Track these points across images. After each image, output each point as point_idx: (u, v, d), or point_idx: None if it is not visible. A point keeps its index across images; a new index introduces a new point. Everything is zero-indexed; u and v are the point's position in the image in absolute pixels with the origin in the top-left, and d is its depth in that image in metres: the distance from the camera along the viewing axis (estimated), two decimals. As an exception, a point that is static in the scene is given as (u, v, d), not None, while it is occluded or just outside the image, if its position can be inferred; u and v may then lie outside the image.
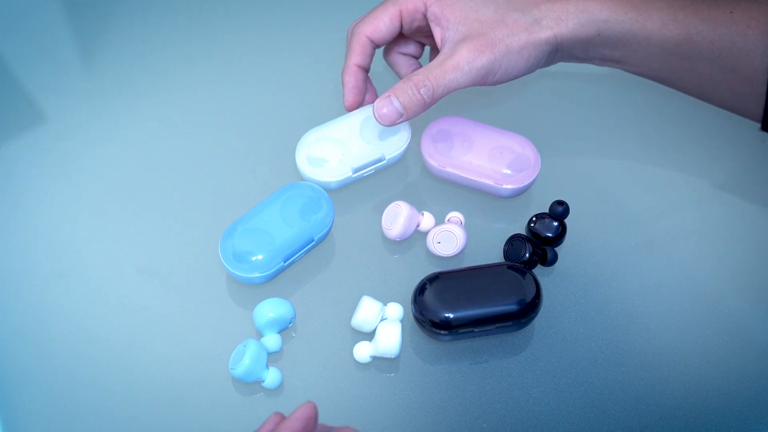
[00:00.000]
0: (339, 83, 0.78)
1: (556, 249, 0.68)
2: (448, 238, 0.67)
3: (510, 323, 0.62)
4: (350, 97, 0.69)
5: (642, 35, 0.63)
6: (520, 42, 0.62)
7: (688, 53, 0.63)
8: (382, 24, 0.66)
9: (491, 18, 0.63)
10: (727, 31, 0.61)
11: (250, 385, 0.62)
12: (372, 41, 0.67)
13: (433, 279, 0.63)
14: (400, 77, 0.72)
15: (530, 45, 0.63)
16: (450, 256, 0.67)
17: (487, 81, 0.64)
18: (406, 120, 0.65)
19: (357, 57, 0.68)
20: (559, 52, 0.65)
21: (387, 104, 0.63)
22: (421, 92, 0.62)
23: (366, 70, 0.69)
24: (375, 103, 0.64)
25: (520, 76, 0.65)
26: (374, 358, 0.63)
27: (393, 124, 0.64)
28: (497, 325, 0.62)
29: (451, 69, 0.62)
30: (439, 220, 0.69)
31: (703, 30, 0.62)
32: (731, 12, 0.61)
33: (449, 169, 0.69)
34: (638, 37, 0.63)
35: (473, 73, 0.62)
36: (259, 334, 0.64)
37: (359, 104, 0.70)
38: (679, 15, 0.62)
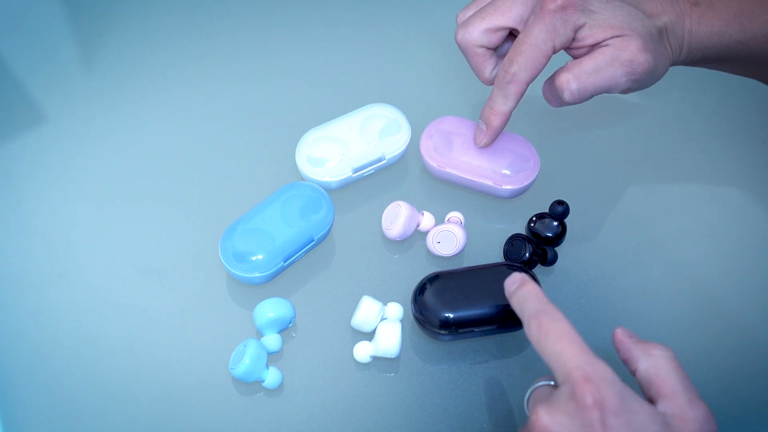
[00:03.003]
0: (339, 83, 0.79)
1: (556, 249, 0.68)
2: (448, 238, 0.67)
3: (510, 323, 0.62)
4: (493, 141, 0.67)
5: (744, 53, 0.64)
6: (664, 58, 0.62)
7: None
8: (540, 66, 0.61)
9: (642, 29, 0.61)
10: None
11: (250, 385, 0.62)
12: (529, 84, 0.62)
13: (433, 279, 0.63)
14: (480, 72, 0.66)
15: (667, 65, 0.63)
16: (450, 256, 0.67)
17: (632, 89, 0.62)
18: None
19: (514, 104, 0.63)
20: None
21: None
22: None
23: None
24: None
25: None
26: (374, 358, 0.63)
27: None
28: (497, 324, 0.62)
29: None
30: (439, 220, 0.69)
31: None
32: None
33: (449, 170, 0.69)
34: (740, 55, 0.64)
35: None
36: (259, 334, 0.64)
37: None
38: None
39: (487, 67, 0.65)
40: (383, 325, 0.62)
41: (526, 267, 0.64)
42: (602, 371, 0.47)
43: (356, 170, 0.70)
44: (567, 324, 0.50)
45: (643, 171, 0.74)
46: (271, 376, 0.61)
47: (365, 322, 0.63)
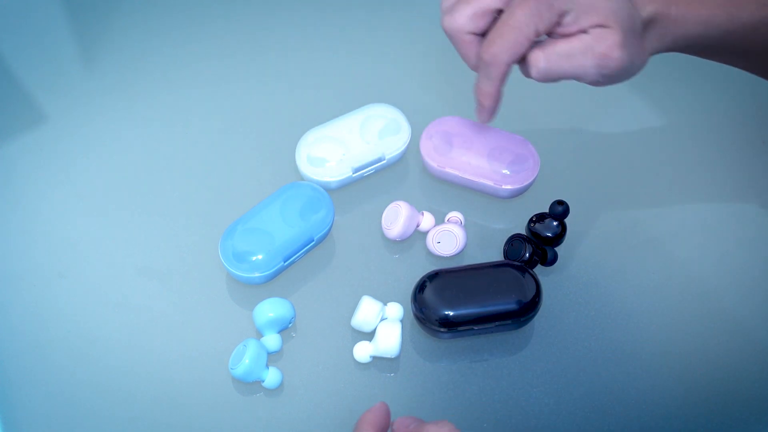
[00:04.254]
0: (339, 83, 0.79)
1: (556, 249, 0.68)
2: (448, 238, 0.67)
3: (510, 322, 0.62)
4: (492, 118, 0.63)
5: (730, 42, 0.63)
6: (640, 55, 0.60)
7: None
8: (522, 48, 0.58)
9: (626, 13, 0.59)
10: None
11: (250, 385, 0.62)
12: (511, 66, 0.60)
13: (433, 277, 0.63)
14: (468, 59, 0.63)
15: (642, 62, 0.61)
16: (450, 256, 0.67)
17: (600, 82, 0.60)
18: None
19: (500, 83, 0.61)
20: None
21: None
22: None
23: None
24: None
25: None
26: (374, 358, 0.63)
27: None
28: (497, 323, 0.62)
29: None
30: (439, 220, 0.69)
31: None
32: None
33: (448, 170, 0.69)
34: (726, 44, 0.63)
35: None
36: (259, 334, 0.64)
37: None
38: None
39: (476, 54, 0.62)
40: (383, 325, 0.62)
41: (527, 267, 0.64)
42: None
43: (356, 170, 0.70)
44: None
45: (643, 171, 0.74)
46: (271, 376, 0.61)
47: (365, 322, 0.63)
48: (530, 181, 0.69)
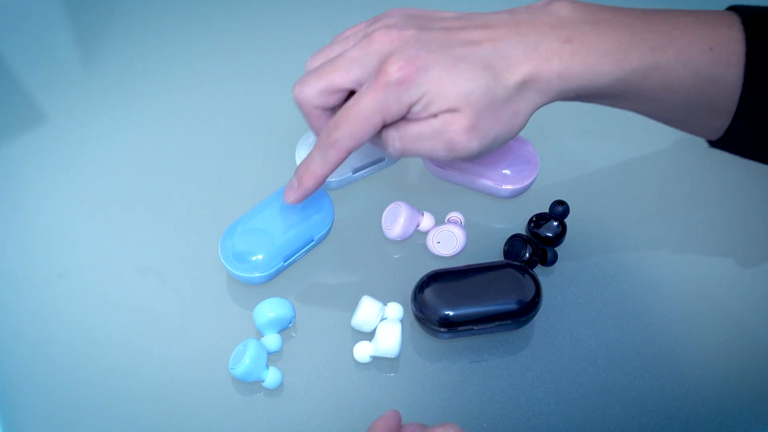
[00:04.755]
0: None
1: (556, 249, 0.68)
2: (448, 238, 0.67)
3: (510, 321, 0.62)
4: (302, 199, 0.62)
5: (620, 89, 0.59)
6: (507, 125, 0.58)
7: (667, 99, 0.60)
8: (366, 136, 0.57)
9: (480, 99, 0.56)
10: (708, 72, 0.58)
11: (250, 385, 0.62)
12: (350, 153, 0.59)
13: (433, 276, 0.63)
14: (316, 131, 0.62)
15: (515, 127, 0.58)
16: (450, 256, 0.67)
17: (461, 160, 0.59)
18: None
19: (332, 169, 0.60)
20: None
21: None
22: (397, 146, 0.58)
23: None
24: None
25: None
26: (374, 358, 0.63)
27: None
28: (497, 323, 0.62)
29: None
30: (439, 220, 0.69)
31: (684, 76, 0.58)
32: (711, 49, 0.58)
33: (449, 170, 0.69)
34: (616, 91, 0.59)
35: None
36: (259, 334, 0.64)
37: None
38: (662, 61, 0.58)
39: (323, 127, 0.60)
40: (383, 325, 0.62)
41: (527, 267, 0.64)
42: None
43: (356, 170, 0.70)
44: None
45: (643, 171, 0.74)
46: (271, 376, 0.61)
47: (365, 322, 0.63)
48: (530, 181, 0.69)
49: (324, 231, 0.67)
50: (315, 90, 0.59)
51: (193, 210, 0.71)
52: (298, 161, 0.70)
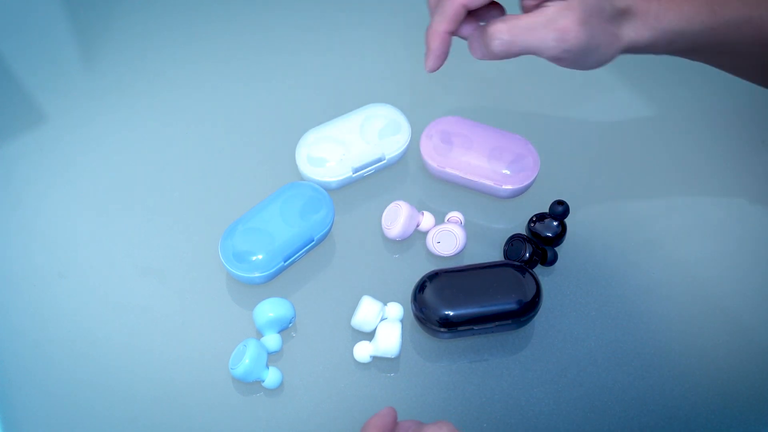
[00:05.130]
0: (339, 83, 0.79)
1: (556, 249, 0.68)
2: (448, 238, 0.67)
3: (510, 321, 0.62)
4: (437, 63, 0.63)
5: (714, 40, 0.62)
6: (608, 41, 0.60)
7: (758, 52, 0.63)
8: None
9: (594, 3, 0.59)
10: None
11: (250, 385, 0.62)
12: (465, 7, 0.60)
13: (433, 277, 0.63)
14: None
15: (612, 49, 0.61)
16: (450, 256, 0.67)
17: (562, 58, 0.60)
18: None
19: (450, 24, 0.61)
20: (621, 53, 0.63)
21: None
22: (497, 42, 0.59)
23: (453, 35, 0.64)
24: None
25: (580, 69, 0.62)
26: (374, 358, 0.63)
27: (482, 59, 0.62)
28: (497, 323, 0.62)
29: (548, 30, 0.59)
30: (439, 220, 0.69)
31: None
32: None
33: (448, 170, 0.69)
34: (710, 42, 0.63)
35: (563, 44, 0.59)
36: (259, 334, 0.64)
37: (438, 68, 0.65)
38: (754, 15, 0.62)
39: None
40: (383, 325, 0.62)
41: (526, 267, 0.64)
42: None
43: (356, 170, 0.70)
44: None
45: (643, 171, 0.74)
46: (271, 376, 0.61)
47: (365, 322, 0.63)
48: (530, 181, 0.69)
49: (324, 231, 0.67)
50: None
51: (193, 210, 0.71)
52: (298, 161, 0.70)
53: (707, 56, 0.66)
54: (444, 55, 0.63)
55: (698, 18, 0.61)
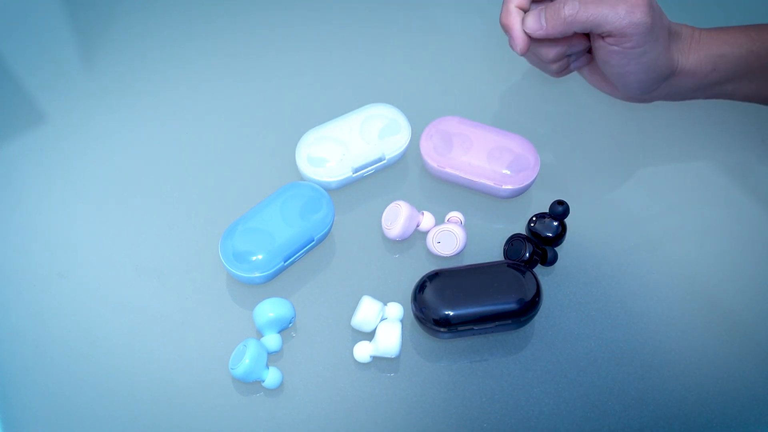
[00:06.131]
0: (339, 83, 0.79)
1: (556, 249, 0.68)
2: (448, 238, 0.67)
3: (510, 321, 0.62)
4: (523, 41, 0.65)
5: (754, 65, 0.66)
6: (664, 46, 0.63)
7: None
8: None
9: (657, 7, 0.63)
10: None
11: (250, 385, 0.62)
12: None
13: (433, 276, 0.63)
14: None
15: (665, 63, 0.64)
16: (450, 256, 0.67)
17: (627, 35, 0.62)
18: (546, 36, 0.64)
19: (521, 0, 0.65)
20: (667, 82, 0.66)
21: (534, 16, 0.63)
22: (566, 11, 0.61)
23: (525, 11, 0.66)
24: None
25: (627, 78, 0.65)
26: (374, 358, 0.63)
27: (533, 34, 0.64)
28: (497, 323, 0.62)
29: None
30: (439, 220, 0.69)
31: None
32: None
33: (448, 170, 0.69)
34: (753, 68, 0.66)
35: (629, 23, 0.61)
36: (259, 334, 0.64)
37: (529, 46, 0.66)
38: None
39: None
40: (383, 325, 0.62)
41: (526, 267, 0.64)
42: None
43: (356, 170, 0.70)
44: None
45: (643, 171, 0.74)
46: (271, 376, 0.61)
47: (365, 322, 0.63)
48: (530, 181, 0.69)
49: (324, 231, 0.67)
50: None
51: (193, 210, 0.71)
52: (298, 161, 0.70)
53: (748, 83, 0.68)
54: (522, 35, 0.65)
55: (738, 41, 0.65)
